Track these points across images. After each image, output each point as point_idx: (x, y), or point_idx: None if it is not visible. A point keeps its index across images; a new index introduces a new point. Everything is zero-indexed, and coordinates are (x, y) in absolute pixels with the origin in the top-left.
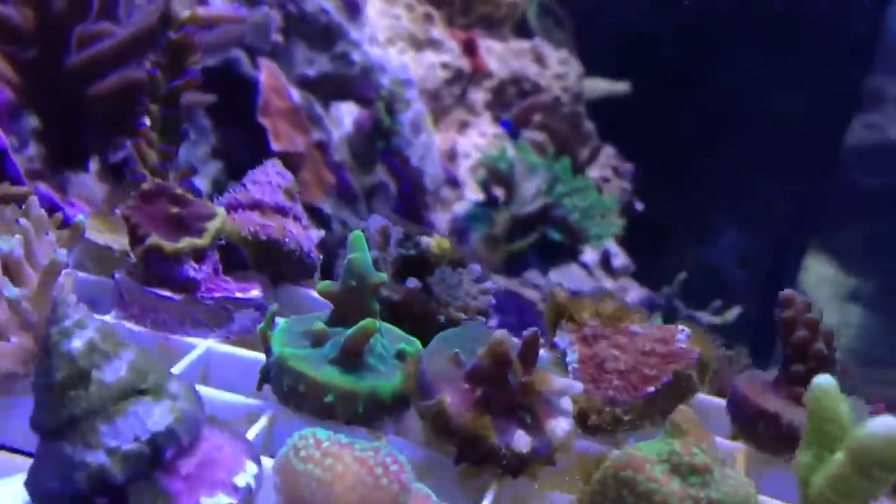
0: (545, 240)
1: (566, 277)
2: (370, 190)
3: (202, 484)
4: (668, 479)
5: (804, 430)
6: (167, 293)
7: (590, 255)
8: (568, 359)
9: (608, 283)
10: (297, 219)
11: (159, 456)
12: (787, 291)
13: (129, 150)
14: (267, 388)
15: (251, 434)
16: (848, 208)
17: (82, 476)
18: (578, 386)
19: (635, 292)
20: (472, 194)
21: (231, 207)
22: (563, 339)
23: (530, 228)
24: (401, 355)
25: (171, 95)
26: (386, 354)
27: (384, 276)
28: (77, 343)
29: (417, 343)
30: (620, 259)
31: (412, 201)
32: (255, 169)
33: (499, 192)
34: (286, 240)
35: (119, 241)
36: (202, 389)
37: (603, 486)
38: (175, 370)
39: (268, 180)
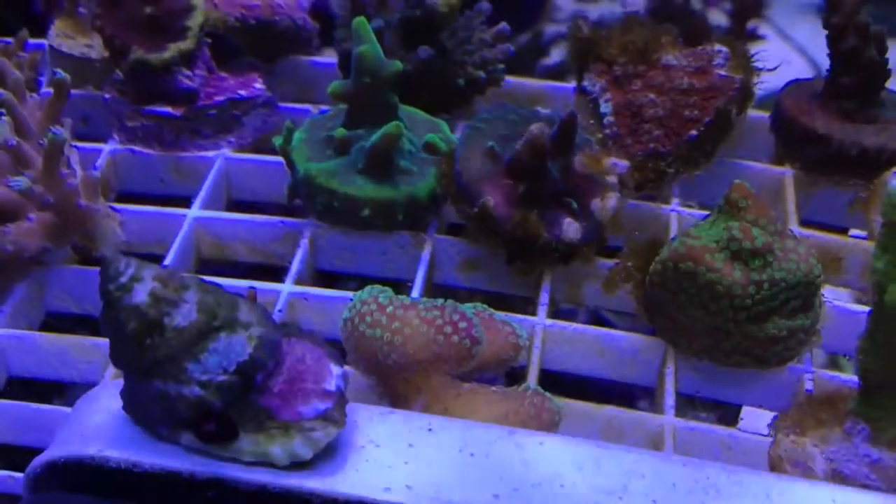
0: None
1: None
2: None
3: (296, 396)
4: (730, 268)
5: (878, 234)
6: (167, 109)
7: None
8: (602, 109)
9: None
10: None
11: (250, 382)
12: None
13: None
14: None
15: (296, 260)
16: None
17: (184, 406)
18: (623, 164)
19: None
20: None
21: None
22: (592, 83)
23: None
24: (430, 148)
25: None
26: (414, 149)
27: (399, 63)
28: (140, 296)
29: (444, 127)
30: None
31: None
32: None
33: None
34: (277, 18)
35: (95, 48)
36: (231, 215)
37: (662, 279)
38: (200, 191)
39: None
